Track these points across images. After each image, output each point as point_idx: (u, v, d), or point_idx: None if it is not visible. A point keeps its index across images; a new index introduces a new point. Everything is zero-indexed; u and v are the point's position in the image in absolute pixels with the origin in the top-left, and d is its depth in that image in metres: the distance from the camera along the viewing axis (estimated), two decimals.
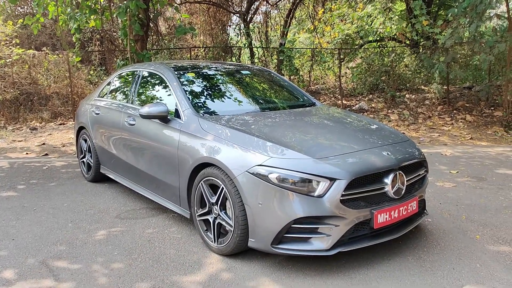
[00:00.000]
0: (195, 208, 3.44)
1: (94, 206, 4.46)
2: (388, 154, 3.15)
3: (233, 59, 15.05)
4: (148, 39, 9.95)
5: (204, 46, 15.28)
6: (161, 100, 4.19)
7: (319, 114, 4.13)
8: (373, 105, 11.68)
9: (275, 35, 17.05)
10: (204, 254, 3.29)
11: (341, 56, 13.41)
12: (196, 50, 14.97)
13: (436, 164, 6.02)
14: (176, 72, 4.26)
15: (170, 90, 4.05)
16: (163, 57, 14.20)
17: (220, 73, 4.68)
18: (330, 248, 2.86)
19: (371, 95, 12.76)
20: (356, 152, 3.10)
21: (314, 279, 2.87)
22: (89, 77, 12.70)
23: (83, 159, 5.48)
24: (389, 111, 10.94)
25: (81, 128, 5.47)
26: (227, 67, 4.95)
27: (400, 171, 3.10)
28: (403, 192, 3.10)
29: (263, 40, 16.07)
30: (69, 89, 11.45)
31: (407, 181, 3.16)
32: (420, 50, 12.82)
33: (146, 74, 4.63)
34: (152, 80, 4.54)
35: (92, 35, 14.23)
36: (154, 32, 13.90)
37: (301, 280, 2.87)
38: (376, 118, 10.24)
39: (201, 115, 3.68)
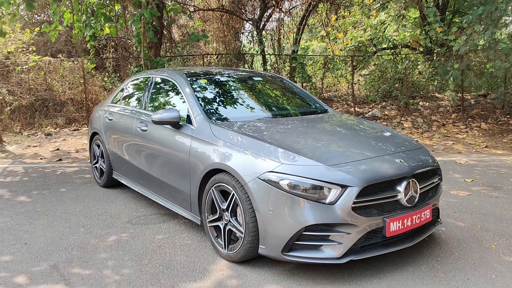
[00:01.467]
0: (206, 214, 3.43)
1: (106, 211, 4.48)
2: (401, 161, 3.11)
3: (246, 66, 15.10)
4: (162, 46, 10.04)
5: (217, 53, 15.36)
6: (173, 106, 4.21)
7: (331, 121, 4.11)
8: (386, 112, 11.60)
9: (287, 42, 17.07)
10: (214, 260, 3.28)
11: (354, 64, 13.36)
12: (209, 57, 15.06)
13: (451, 173, 5.94)
14: (188, 79, 4.27)
15: (182, 96, 4.06)
16: (176, 64, 14.31)
17: (232, 79, 4.69)
18: (342, 256, 2.83)
19: (384, 103, 12.67)
20: (369, 159, 3.07)
21: None
22: (103, 83, 12.86)
23: (96, 165, 5.53)
24: (403, 118, 10.85)
25: (94, 134, 5.52)
26: (240, 73, 4.96)
27: (414, 179, 3.05)
28: (416, 200, 3.06)
29: (276, 47, 16.10)
30: (84, 96, 11.60)
31: (420, 189, 3.11)
32: (434, 57, 12.72)
33: (159, 81, 4.66)
34: (164, 87, 4.57)
35: (107, 42, 14.41)
36: (168, 39, 14.02)
37: None
38: (389, 125, 10.16)
39: (213, 121, 3.69)
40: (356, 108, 12.11)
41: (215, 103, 4.11)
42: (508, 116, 10.33)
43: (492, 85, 12.79)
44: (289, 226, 2.83)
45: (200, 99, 3.98)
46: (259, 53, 14.70)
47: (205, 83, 4.39)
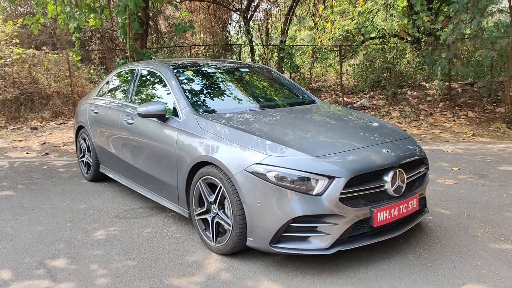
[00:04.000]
0: (194, 207, 3.42)
1: (93, 206, 4.44)
2: (388, 151, 3.11)
3: (234, 57, 15.00)
4: (148, 37, 9.91)
5: (205, 44, 15.23)
6: (159, 98, 4.17)
7: (319, 111, 4.10)
8: (374, 102, 11.63)
9: (275, 33, 16.98)
10: (203, 253, 3.27)
11: (342, 53, 13.34)
12: (196, 48, 14.92)
13: (438, 161, 5.98)
14: (174, 71, 4.22)
15: (168, 88, 4.02)
16: (163, 55, 14.15)
17: (219, 71, 4.65)
18: (329, 247, 2.83)
19: (372, 92, 12.70)
20: (356, 150, 3.07)
21: (313, 278, 2.85)
22: (90, 76, 12.68)
23: (83, 159, 5.46)
24: (391, 108, 10.89)
25: (80, 128, 5.45)
26: (226, 65, 4.92)
27: (400, 169, 3.06)
28: (403, 190, 3.07)
29: (264, 38, 16.01)
30: (70, 88, 11.44)
31: (407, 178, 3.13)
32: (422, 47, 12.76)
33: (145, 73, 4.60)
34: (150, 79, 4.51)
35: (92, 34, 14.19)
36: (154, 30, 13.85)
37: (300, 279, 2.85)
38: (378, 115, 10.20)
39: (200, 113, 3.65)
40: (345, 98, 12.12)
41: (202, 95, 4.08)
42: (495, 104, 10.43)
43: (479, 74, 12.88)
44: (277, 218, 2.82)
45: (186, 91, 3.94)
46: (247, 43, 14.60)
47: (192, 75, 4.35)
